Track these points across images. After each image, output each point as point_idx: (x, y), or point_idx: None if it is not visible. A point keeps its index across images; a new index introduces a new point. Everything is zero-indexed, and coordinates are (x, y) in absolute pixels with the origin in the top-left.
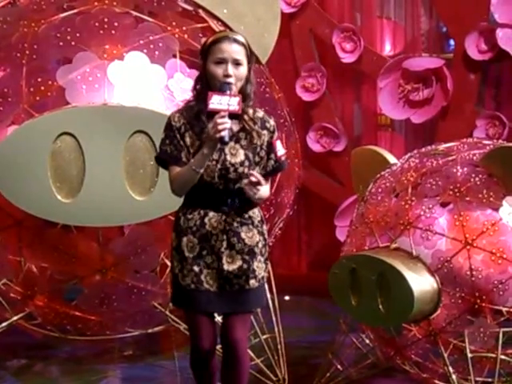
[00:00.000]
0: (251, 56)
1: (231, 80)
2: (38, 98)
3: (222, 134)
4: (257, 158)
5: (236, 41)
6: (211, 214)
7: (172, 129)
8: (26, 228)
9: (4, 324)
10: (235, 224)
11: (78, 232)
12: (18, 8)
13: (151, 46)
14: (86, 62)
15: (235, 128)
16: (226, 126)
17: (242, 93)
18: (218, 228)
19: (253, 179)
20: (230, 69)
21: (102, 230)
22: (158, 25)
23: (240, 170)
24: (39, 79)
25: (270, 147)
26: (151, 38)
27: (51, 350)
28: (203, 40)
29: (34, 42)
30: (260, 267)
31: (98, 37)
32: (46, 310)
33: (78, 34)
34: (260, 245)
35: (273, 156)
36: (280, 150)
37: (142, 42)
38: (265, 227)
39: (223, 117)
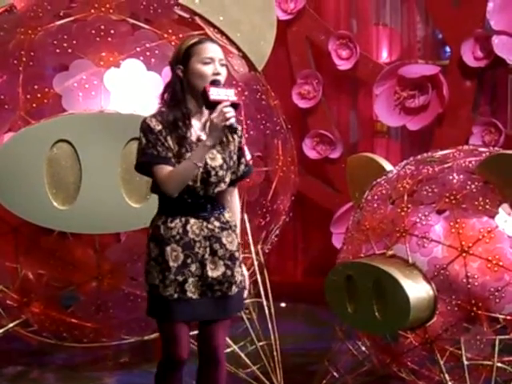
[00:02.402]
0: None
1: (220, 78)
2: (34, 105)
3: (232, 120)
4: (231, 163)
5: (216, 42)
6: (192, 220)
7: (153, 132)
8: (23, 235)
9: (0, 331)
10: (216, 230)
11: (75, 239)
12: (15, 15)
13: (147, 54)
14: (82, 69)
15: None
16: (232, 114)
17: None
18: (200, 235)
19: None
20: (219, 67)
21: (98, 237)
22: (154, 32)
23: (220, 173)
24: (36, 86)
25: (240, 152)
26: (147, 45)
27: (47, 356)
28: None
29: (30, 49)
30: (238, 271)
31: (94, 44)
32: (42, 317)
33: (74, 42)
34: (239, 249)
35: (243, 161)
36: (248, 154)
37: (138, 49)
38: (238, 231)
39: (226, 106)
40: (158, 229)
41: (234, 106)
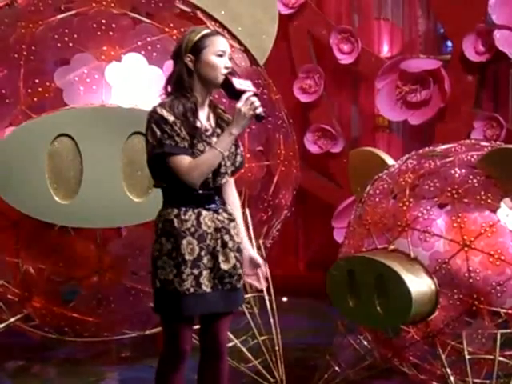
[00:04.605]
0: None
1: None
2: (35, 100)
3: (260, 109)
4: (231, 154)
5: (225, 36)
6: (204, 212)
7: (168, 122)
8: (24, 229)
9: (1, 325)
10: (226, 221)
11: (76, 233)
12: (16, 9)
13: (149, 48)
14: (83, 63)
15: (213, 124)
16: (259, 103)
17: None
18: (211, 227)
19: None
20: (228, 62)
21: (99, 231)
22: (155, 26)
23: (228, 163)
24: (37, 80)
25: (236, 142)
26: (149, 39)
27: (49, 351)
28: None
29: (31, 43)
30: (241, 264)
31: (95, 38)
32: (43, 312)
33: (75, 36)
34: (242, 242)
35: (239, 151)
36: (240, 146)
37: (139, 43)
38: (242, 224)
39: (251, 96)
40: (170, 223)
41: (255, 96)
